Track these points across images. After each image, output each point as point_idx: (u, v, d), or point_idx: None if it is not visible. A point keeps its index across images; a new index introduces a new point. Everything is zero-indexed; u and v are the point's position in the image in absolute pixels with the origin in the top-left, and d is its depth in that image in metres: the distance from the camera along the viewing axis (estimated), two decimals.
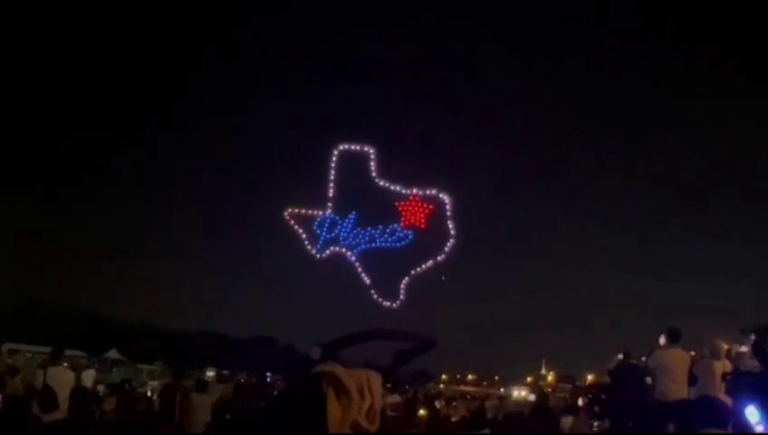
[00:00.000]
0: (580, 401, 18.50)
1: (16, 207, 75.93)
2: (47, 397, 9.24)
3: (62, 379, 9.77)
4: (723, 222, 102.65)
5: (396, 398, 16.80)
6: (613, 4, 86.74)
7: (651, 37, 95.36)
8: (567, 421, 11.36)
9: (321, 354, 1.60)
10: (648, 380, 9.27)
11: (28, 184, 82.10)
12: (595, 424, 10.48)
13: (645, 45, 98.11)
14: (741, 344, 10.49)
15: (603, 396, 10.81)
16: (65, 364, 13.90)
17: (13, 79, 68.15)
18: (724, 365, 8.24)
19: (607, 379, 11.10)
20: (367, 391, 1.51)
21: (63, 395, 9.53)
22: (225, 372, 35.40)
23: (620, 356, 10.63)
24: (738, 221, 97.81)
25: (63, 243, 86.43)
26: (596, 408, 10.74)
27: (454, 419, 16.02)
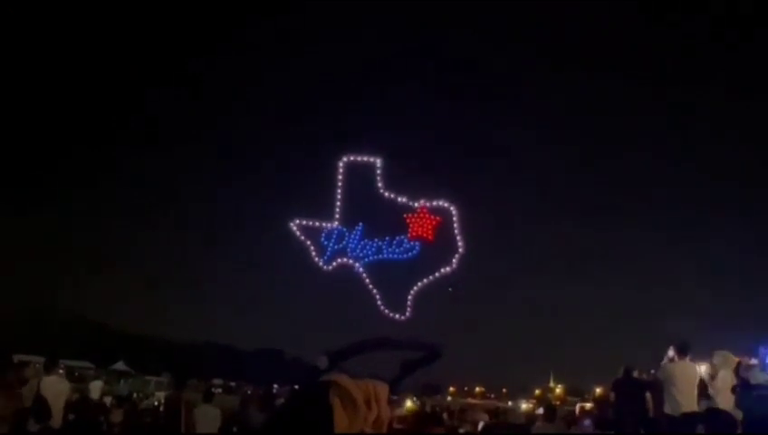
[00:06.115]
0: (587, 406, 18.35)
1: (26, 221, 76.43)
2: (40, 407, 9.03)
3: (56, 389, 9.57)
4: (737, 231, 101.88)
5: (402, 411, 16.68)
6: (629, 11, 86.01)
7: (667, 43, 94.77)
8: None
9: (328, 363, 1.61)
10: (648, 395, 9.22)
11: (37, 198, 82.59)
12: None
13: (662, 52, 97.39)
14: (751, 357, 10.38)
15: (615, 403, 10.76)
16: (61, 371, 13.82)
17: (16, 94, 68.66)
18: (732, 378, 8.16)
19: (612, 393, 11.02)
20: (374, 402, 1.52)
21: (58, 405, 9.33)
22: (233, 383, 35.30)
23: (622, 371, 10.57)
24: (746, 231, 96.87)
25: (72, 256, 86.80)
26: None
27: (461, 430, 15.92)
